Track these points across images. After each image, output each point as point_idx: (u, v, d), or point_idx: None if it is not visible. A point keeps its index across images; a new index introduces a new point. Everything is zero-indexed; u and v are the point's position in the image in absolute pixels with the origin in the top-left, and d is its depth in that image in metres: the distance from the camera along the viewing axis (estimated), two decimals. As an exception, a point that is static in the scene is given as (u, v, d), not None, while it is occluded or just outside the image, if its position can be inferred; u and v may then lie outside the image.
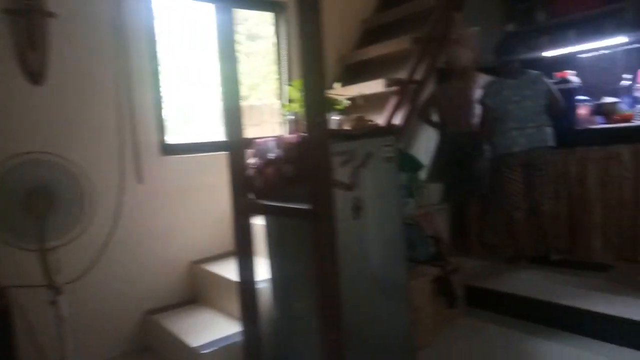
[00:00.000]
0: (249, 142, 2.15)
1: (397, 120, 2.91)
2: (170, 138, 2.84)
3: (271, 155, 2.03)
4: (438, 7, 3.06)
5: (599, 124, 3.51)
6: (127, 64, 2.60)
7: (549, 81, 3.28)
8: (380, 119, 2.80)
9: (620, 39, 3.64)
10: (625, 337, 2.34)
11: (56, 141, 2.32)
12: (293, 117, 2.25)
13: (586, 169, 3.34)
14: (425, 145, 4.17)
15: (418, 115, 3.42)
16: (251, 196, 2.11)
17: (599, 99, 3.71)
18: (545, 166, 3.27)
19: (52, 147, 2.01)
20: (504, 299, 2.85)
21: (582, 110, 3.55)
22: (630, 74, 3.66)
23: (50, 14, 2.32)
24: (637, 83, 3.56)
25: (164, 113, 2.81)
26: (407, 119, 2.97)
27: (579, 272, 3.12)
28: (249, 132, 3.30)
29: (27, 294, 2.09)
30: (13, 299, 2.11)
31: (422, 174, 3.67)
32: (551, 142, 3.23)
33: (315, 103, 1.51)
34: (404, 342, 2.25)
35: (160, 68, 2.78)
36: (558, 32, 3.84)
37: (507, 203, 3.39)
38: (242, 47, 3.40)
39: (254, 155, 2.15)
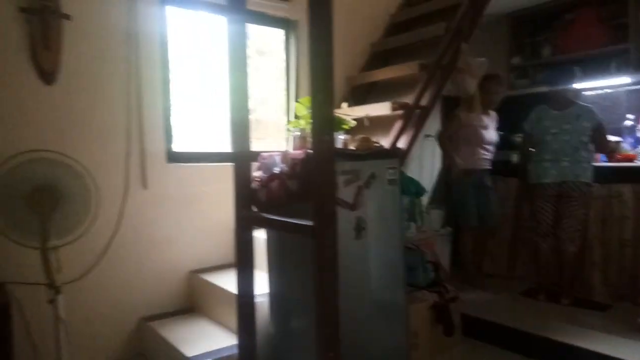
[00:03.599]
0: (255, 155, 2.16)
1: (402, 143, 2.94)
2: (177, 146, 2.86)
3: (276, 170, 2.05)
4: (446, 37, 3.11)
5: (602, 162, 3.54)
6: (137, 70, 2.64)
7: (599, 117, 3.17)
8: (385, 141, 2.83)
9: (624, 79, 3.70)
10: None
11: (64, 142, 2.35)
12: (299, 133, 2.27)
13: (588, 206, 3.34)
14: (430, 170, 4.21)
15: (440, 143, 3.57)
16: (254, 209, 2.11)
17: (602, 136, 3.74)
18: (577, 202, 3.16)
19: (60, 147, 2.05)
20: (500, 330, 2.82)
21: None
22: (633, 114, 3.71)
23: (66, 16, 2.37)
24: (640, 123, 3.60)
25: (172, 121, 2.83)
26: (411, 143, 2.99)
27: (577, 309, 3.11)
28: (255, 145, 3.34)
29: (26, 291, 2.10)
30: (12, 296, 2.10)
31: (425, 199, 3.68)
32: (585, 178, 3.13)
33: (323, 120, 1.52)
34: (399, 366, 2.23)
35: (170, 76, 2.82)
36: (563, 68, 3.90)
37: (535, 232, 3.38)
38: (252, 62, 3.45)
39: (259, 169, 2.17)
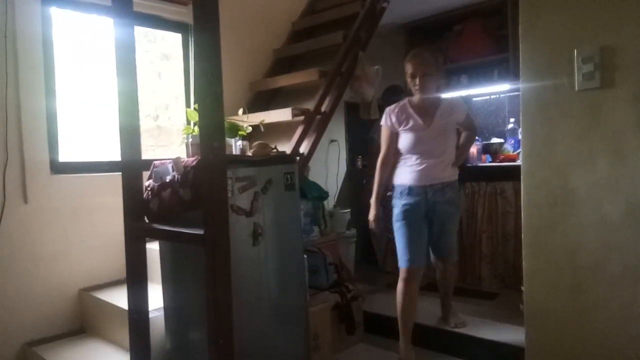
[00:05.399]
0: (148, 164, 2.08)
1: (303, 148, 2.98)
2: (64, 156, 2.67)
3: (168, 178, 1.98)
4: (344, 45, 3.22)
5: (487, 162, 3.84)
6: (16, 74, 2.43)
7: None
8: (286, 147, 2.86)
9: (505, 86, 4.05)
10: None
11: None
12: (191, 140, 2.22)
13: (477, 203, 3.62)
14: (335, 173, 4.32)
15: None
16: (146, 220, 2.03)
17: (488, 139, 4.08)
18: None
19: None
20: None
21: (473, 149, 3.87)
22: (515, 117, 4.08)
23: None
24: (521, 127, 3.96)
25: (57, 129, 2.64)
26: (313, 148, 3.04)
27: (469, 299, 3.33)
28: (158, 153, 3.21)
29: None
30: None
31: (329, 202, 3.76)
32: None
33: (212, 127, 1.50)
34: (301, 370, 2.25)
35: (57, 81, 2.63)
36: (453, 76, 4.20)
37: None
38: (155, 66, 3.33)
39: (150, 177, 2.08)
